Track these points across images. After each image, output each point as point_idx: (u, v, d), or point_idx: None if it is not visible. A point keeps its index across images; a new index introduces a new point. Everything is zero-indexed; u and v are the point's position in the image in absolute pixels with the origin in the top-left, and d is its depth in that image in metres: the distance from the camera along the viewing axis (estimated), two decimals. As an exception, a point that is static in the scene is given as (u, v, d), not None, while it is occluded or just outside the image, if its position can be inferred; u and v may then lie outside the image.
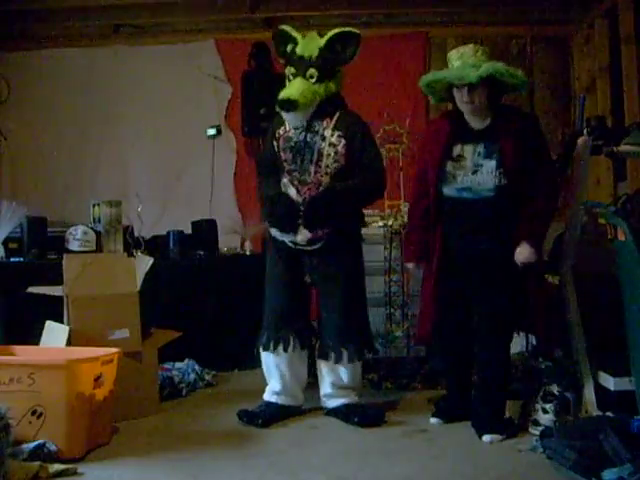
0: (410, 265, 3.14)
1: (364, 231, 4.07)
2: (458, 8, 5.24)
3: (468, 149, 2.85)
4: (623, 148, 3.04)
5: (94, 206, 4.14)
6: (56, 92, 5.29)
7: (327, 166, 3.03)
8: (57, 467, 2.48)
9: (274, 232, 3.13)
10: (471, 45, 2.89)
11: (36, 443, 2.56)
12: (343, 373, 3.15)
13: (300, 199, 3.03)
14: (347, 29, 3.04)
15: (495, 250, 2.83)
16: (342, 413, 3.13)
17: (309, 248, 3.08)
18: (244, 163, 5.24)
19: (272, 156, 3.16)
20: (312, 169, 3.03)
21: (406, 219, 3.92)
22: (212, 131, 5.17)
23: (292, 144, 3.07)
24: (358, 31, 3.04)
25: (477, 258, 2.85)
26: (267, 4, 5.16)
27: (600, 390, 2.91)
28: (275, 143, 3.14)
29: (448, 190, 2.87)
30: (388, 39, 5.27)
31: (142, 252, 4.05)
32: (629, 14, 4.54)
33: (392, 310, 3.93)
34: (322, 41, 3.03)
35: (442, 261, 2.93)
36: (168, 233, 4.35)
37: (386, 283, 3.94)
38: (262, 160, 3.31)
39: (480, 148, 2.83)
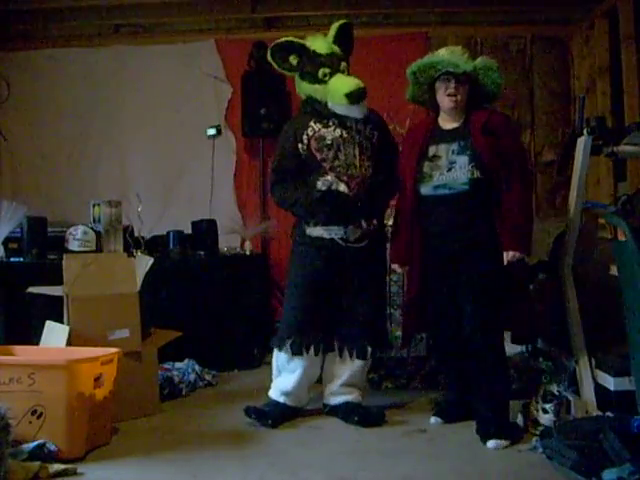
0: (395, 266, 3.19)
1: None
2: (458, 8, 5.24)
3: (442, 148, 2.94)
4: (623, 148, 3.04)
5: (94, 206, 4.14)
6: (56, 92, 5.29)
7: (369, 157, 3.11)
8: (57, 467, 2.48)
9: (319, 231, 3.11)
10: (460, 47, 3.05)
11: (36, 443, 2.56)
12: (358, 370, 3.16)
13: (351, 193, 3.06)
14: (342, 22, 3.16)
15: (474, 249, 2.88)
16: (342, 412, 3.13)
17: (357, 245, 3.10)
18: (244, 163, 5.24)
19: (295, 160, 3.13)
20: (357, 163, 3.08)
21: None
22: (212, 131, 5.16)
23: (328, 142, 3.08)
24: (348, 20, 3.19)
25: (459, 257, 2.90)
26: (267, 4, 5.15)
27: (600, 390, 2.91)
28: (301, 146, 3.12)
29: (425, 189, 2.94)
30: (388, 39, 5.27)
31: (142, 252, 4.05)
32: (629, 14, 4.53)
33: (392, 310, 3.93)
34: (330, 38, 3.11)
35: (424, 261, 3.00)
36: (168, 233, 4.35)
37: (386, 283, 3.93)
38: (283, 165, 3.20)
39: (454, 146, 2.91)
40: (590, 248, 3.18)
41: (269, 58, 3.13)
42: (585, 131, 3.05)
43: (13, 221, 3.84)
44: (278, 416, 3.09)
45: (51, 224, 4.16)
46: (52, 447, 2.58)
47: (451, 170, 2.89)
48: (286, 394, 3.17)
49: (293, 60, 3.10)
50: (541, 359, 3.37)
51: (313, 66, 3.06)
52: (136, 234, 4.18)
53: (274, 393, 3.20)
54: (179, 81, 5.27)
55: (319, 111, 3.11)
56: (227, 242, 4.58)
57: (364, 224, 3.08)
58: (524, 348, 3.65)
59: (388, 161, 3.16)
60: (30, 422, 2.62)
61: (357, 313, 3.13)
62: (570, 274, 3.10)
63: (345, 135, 3.09)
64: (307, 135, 3.11)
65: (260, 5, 5.15)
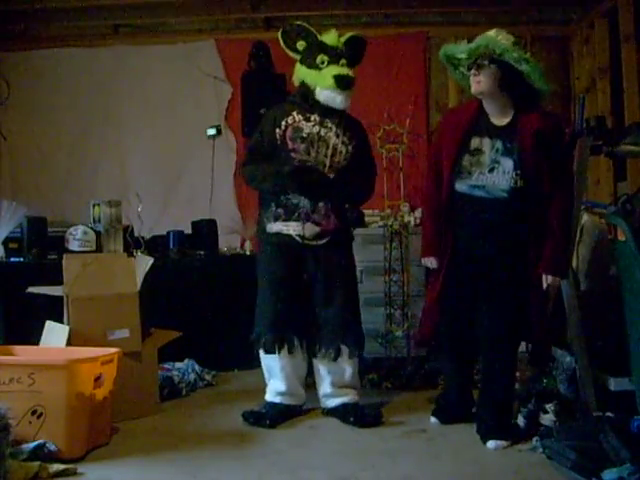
0: (429, 260, 2.95)
1: (364, 231, 4.08)
2: (458, 8, 5.24)
3: (486, 143, 2.75)
4: (623, 148, 3.04)
5: (94, 206, 4.14)
6: (56, 92, 5.29)
7: (338, 162, 3.11)
8: (57, 467, 2.48)
9: (278, 226, 3.11)
10: (512, 36, 2.74)
11: (36, 443, 2.56)
12: (345, 371, 3.15)
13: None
14: (358, 35, 3.22)
15: (503, 255, 2.77)
16: (339, 413, 3.13)
17: (315, 243, 3.09)
18: (244, 163, 5.24)
19: (270, 144, 3.14)
20: (327, 162, 3.09)
21: (406, 219, 3.93)
22: (212, 131, 5.16)
23: (304, 135, 3.09)
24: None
25: (485, 262, 2.80)
26: (267, 4, 5.16)
27: (600, 390, 2.91)
28: (278, 131, 3.12)
29: (460, 186, 2.78)
30: (388, 39, 5.27)
31: (142, 252, 4.05)
32: (629, 14, 4.53)
33: (392, 310, 3.94)
34: (343, 38, 3.15)
35: (451, 262, 2.86)
36: (168, 233, 4.34)
37: (386, 283, 3.94)
38: (257, 147, 3.21)
39: (498, 144, 2.73)
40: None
41: (280, 36, 3.17)
42: (585, 131, 3.05)
43: (13, 221, 3.84)
44: (276, 416, 3.09)
45: (51, 224, 4.16)
46: (52, 447, 2.58)
47: (493, 171, 2.71)
48: (281, 394, 3.18)
49: (300, 45, 3.14)
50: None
51: (315, 52, 3.10)
52: (136, 234, 4.18)
53: (269, 396, 3.21)
54: (179, 81, 5.28)
55: (305, 100, 3.14)
56: (227, 242, 4.59)
57: (315, 226, 3.06)
58: (524, 348, 3.65)
59: (362, 170, 3.16)
60: (30, 422, 2.62)
61: (328, 314, 3.12)
62: (570, 274, 3.10)
63: (322, 133, 3.10)
64: (286, 122, 3.12)
65: (260, 5, 5.15)
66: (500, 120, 2.77)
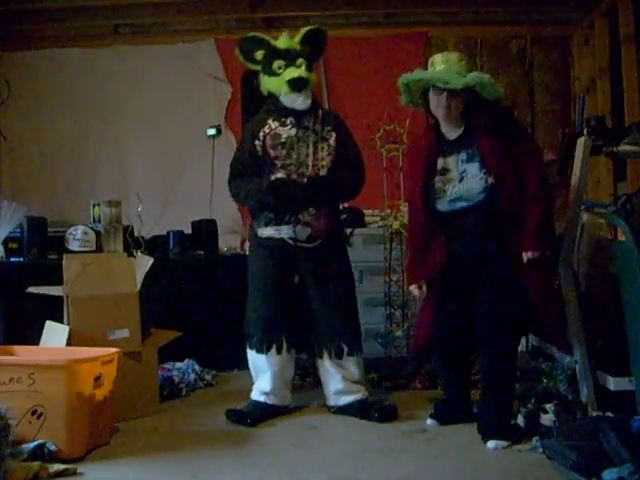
0: (413, 288, 3.04)
1: (364, 231, 4.10)
2: (458, 8, 5.24)
3: (451, 160, 2.86)
4: (623, 148, 3.04)
5: (94, 206, 4.14)
6: (56, 92, 5.29)
7: (322, 159, 3.12)
8: (57, 467, 2.48)
9: (269, 231, 3.13)
10: (457, 53, 2.97)
11: (36, 443, 2.56)
12: (352, 368, 3.18)
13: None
14: (315, 27, 3.28)
15: (496, 250, 2.80)
16: (357, 410, 3.15)
17: (308, 245, 3.10)
18: (244, 163, 5.24)
19: (252, 157, 3.17)
20: (310, 162, 3.09)
21: (406, 219, 3.92)
22: (212, 131, 5.17)
23: (283, 140, 3.11)
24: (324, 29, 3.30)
25: (478, 260, 2.83)
26: (267, 4, 5.16)
27: (600, 390, 2.91)
28: (258, 143, 3.15)
29: (441, 205, 2.86)
30: (388, 39, 5.27)
31: (142, 252, 4.05)
32: (629, 14, 4.54)
33: (392, 310, 3.94)
34: (297, 38, 3.18)
35: (444, 272, 2.89)
36: (168, 233, 4.35)
37: (386, 283, 3.94)
38: (240, 162, 3.25)
39: (462, 155, 2.83)
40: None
41: (238, 52, 3.22)
42: (585, 131, 3.04)
43: (13, 221, 3.84)
44: (258, 415, 3.11)
45: (51, 224, 4.16)
46: (52, 447, 2.57)
47: (463, 180, 2.81)
48: (266, 394, 3.20)
49: (258, 56, 3.18)
50: (541, 359, 3.37)
51: (271, 59, 3.13)
52: (136, 234, 4.18)
53: (255, 394, 3.24)
54: (179, 81, 5.28)
55: (278, 108, 3.17)
56: (227, 242, 4.59)
57: (307, 228, 3.07)
58: (524, 348, 3.65)
59: (348, 162, 3.17)
60: (30, 422, 2.62)
61: (325, 314, 3.15)
62: (570, 274, 3.09)
63: (300, 134, 3.12)
64: (263, 132, 3.15)
65: (260, 5, 5.15)
66: (454, 133, 2.88)
